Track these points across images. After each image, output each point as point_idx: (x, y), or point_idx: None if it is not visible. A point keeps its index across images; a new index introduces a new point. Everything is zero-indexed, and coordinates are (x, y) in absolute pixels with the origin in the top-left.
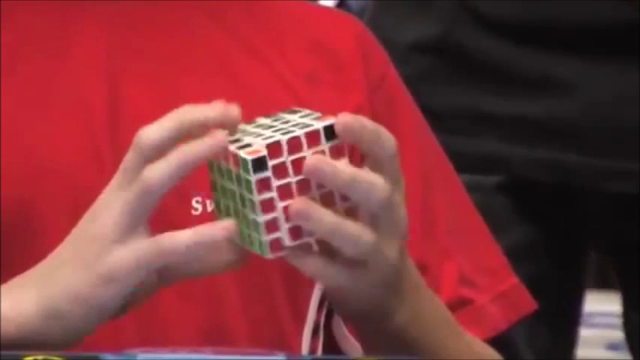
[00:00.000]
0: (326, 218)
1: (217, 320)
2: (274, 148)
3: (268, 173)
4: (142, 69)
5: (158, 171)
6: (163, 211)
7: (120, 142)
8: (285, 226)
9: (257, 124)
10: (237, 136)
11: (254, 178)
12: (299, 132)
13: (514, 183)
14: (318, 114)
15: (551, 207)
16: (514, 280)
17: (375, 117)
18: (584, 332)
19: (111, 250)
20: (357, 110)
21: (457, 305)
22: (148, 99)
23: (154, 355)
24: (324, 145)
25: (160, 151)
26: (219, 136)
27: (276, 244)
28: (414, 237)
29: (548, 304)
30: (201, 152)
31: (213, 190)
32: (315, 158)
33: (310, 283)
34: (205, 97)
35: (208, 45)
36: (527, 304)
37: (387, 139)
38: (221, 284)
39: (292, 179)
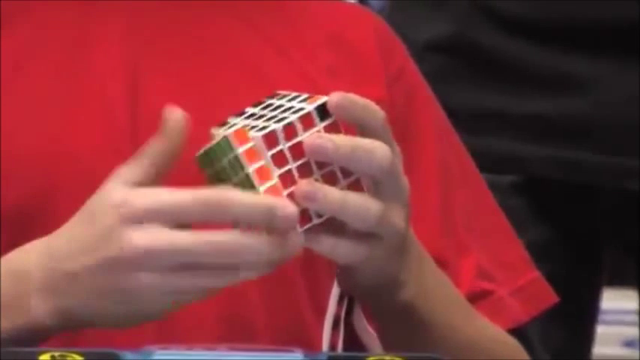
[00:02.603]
0: (332, 195)
1: (238, 312)
2: (270, 138)
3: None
4: (162, 63)
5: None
6: None
7: (140, 136)
8: None
9: (247, 114)
10: (226, 129)
11: (251, 169)
12: (292, 117)
13: (529, 182)
14: (306, 94)
15: (567, 206)
16: (534, 273)
17: (394, 110)
18: (600, 329)
19: (149, 277)
20: (376, 103)
21: (476, 297)
22: (169, 93)
23: (171, 352)
24: (319, 126)
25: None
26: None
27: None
28: (433, 231)
29: (565, 303)
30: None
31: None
32: (313, 137)
33: (330, 276)
34: (227, 92)
35: (230, 40)
36: (548, 297)
37: (376, 109)
38: None
39: (292, 165)
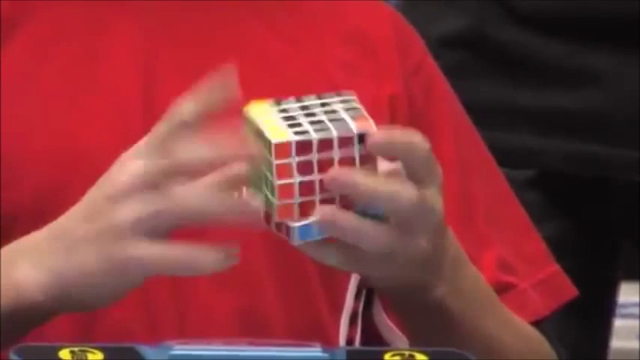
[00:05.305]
0: (348, 225)
1: (254, 308)
2: (304, 146)
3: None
4: (177, 62)
5: (197, 200)
6: None
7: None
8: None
9: (303, 104)
10: (278, 113)
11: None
12: (334, 133)
13: (545, 177)
14: (362, 111)
15: (582, 200)
16: (554, 267)
17: (412, 104)
18: (617, 323)
19: (134, 246)
20: (393, 98)
21: (499, 290)
22: (183, 87)
23: (190, 347)
24: (356, 150)
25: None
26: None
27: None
28: (453, 225)
29: (581, 298)
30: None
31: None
32: (336, 172)
33: (347, 272)
34: (243, 86)
35: (246, 34)
36: (568, 291)
37: (418, 144)
38: (257, 272)
39: (316, 177)
